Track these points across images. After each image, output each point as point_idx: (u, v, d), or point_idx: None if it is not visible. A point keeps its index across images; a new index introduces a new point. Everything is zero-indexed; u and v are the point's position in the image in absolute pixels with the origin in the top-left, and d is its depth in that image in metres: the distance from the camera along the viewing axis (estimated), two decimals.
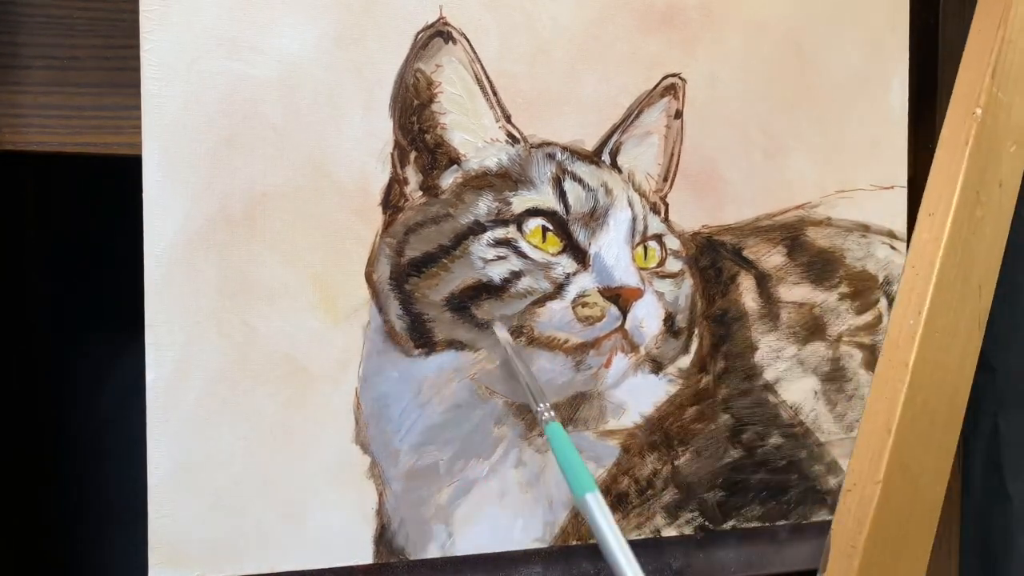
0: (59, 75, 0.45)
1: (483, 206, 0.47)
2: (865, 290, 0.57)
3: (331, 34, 0.45)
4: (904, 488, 0.45)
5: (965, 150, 0.46)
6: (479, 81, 0.48)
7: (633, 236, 0.50)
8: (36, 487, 0.61)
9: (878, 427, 0.45)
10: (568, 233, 0.48)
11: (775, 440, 0.55)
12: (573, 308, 0.48)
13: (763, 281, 0.54)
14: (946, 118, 0.48)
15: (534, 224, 0.48)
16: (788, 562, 0.57)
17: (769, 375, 0.54)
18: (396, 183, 0.46)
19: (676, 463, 0.52)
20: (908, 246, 0.58)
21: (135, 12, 0.43)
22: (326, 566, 0.46)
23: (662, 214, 0.51)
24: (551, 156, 0.49)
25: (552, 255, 0.48)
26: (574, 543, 0.50)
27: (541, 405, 0.43)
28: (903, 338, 0.45)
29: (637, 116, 0.51)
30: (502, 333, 0.47)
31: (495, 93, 0.48)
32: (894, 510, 0.45)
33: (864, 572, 0.44)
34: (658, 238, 0.51)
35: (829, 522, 0.57)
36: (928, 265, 0.46)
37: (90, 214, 0.62)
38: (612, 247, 0.49)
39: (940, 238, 0.46)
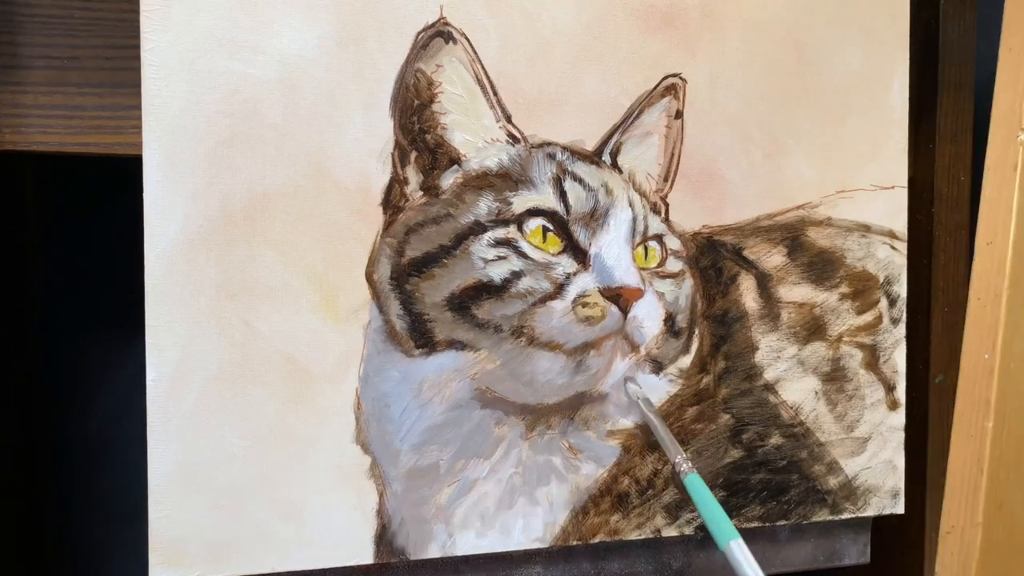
0: (59, 75, 0.45)
1: (483, 206, 0.47)
2: (866, 290, 0.57)
3: (331, 34, 0.45)
4: (1001, 526, 0.45)
5: (1015, 176, 0.45)
6: (479, 81, 0.48)
7: (633, 236, 0.50)
8: (36, 487, 0.61)
9: (969, 467, 0.45)
10: (568, 233, 0.48)
11: (775, 440, 0.55)
12: (574, 308, 0.48)
13: (764, 281, 0.54)
14: (989, 141, 0.47)
15: (534, 224, 0.48)
16: (788, 562, 0.57)
17: (769, 375, 0.54)
18: (397, 183, 0.46)
19: None
20: (909, 246, 0.58)
21: (135, 12, 0.43)
22: (326, 566, 0.46)
23: (662, 214, 0.51)
24: (551, 156, 0.49)
25: (552, 255, 0.48)
26: (574, 543, 0.50)
27: (679, 457, 0.44)
28: (980, 374, 0.45)
29: (637, 116, 0.51)
30: (634, 388, 0.48)
31: (495, 93, 0.48)
32: (998, 550, 0.44)
33: None
34: (658, 238, 0.51)
35: (829, 522, 0.57)
36: (995, 296, 0.45)
37: (90, 214, 0.62)
38: (612, 247, 0.49)
39: (1003, 267, 0.45)
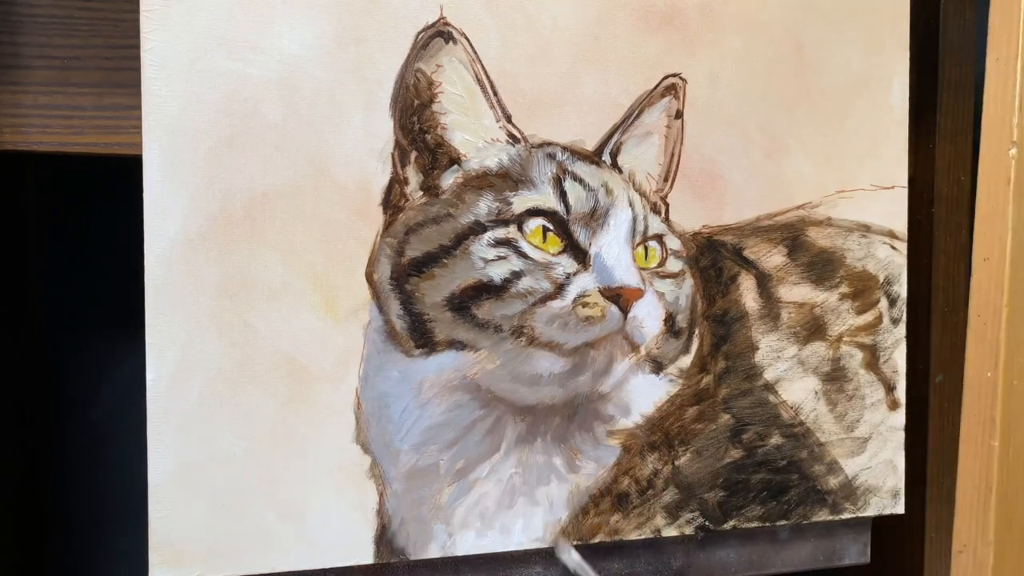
0: (60, 75, 0.45)
1: (483, 206, 0.47)
2: (866, 290, 0.57)
3: (331, 34, 0.45)
4: (1013, 544, 0.45)
5: (1008, 190, 0.45)
6: (479, 81, 0.48)
7: (634, 236, 0.50)
8: (36, 487, 0.61)
9: (978, 486, 0.44)
10: (568, 233, 0.48)
11: (775, 440, 0.55)
12: (574, 308, 0.48)
13: (764, 281, 0.54)
14: (980, 155, 0.46)
15: (535, 224, 0.48)
16: (788, 562, 0.57)
17: (769, 375, 0.54)
18: (396, 183, 0.46)
19: (677, 463, 0.52)
20: (909, 246, 0.58)
21: (135, 12, 0.43)
22: (326, 566, 0.46)
23: (662, 214, 0.51)
24: (551, 156, 0.49)
25: (552, 255, 0.48)
26: (574, 543, 0.50)
27: None
28: (984, 391, 0.45)
29: (637, 116, 0.51)
30: (568, 556, 0.47)
31: (495, 93, 0.48)
32: (1011, 569, 0.44)
33: None
34: (659, 238, 0.51)
35: (829, 522, 0.57)
36: (995, 313, 0.45)
37: (90, 214, 0.62)
38: (613, 247, 0.49)
39: (1001, 283, 0.45)
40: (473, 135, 0.48)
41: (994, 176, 0.45)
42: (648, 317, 0.50)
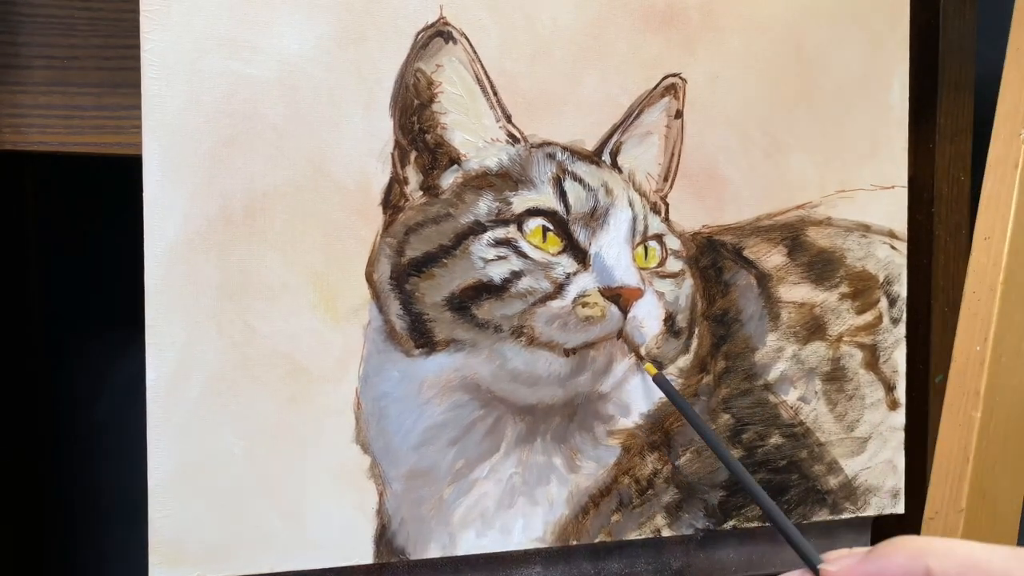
0: (59, 75, 0.45)
1: (483, 206, 0.47)
2: (866, 290, 0.57)
3: (331, 34, 0.45)
4: (984, 514, 0.45)
5: (1016, 172, 0.45)
6: (479, 81, 0.48)
7: (633, 236, 0.50)
8: (36, 487, 0.61)
9: (955, 456, 0.45)
10: (568, 233, 0.48)
11: (775, 440, 0.55)
12: (574, 308, 0.48)
13: (764, 281, 0.54)
14: (992, 137, 0.47)
15: (534, 224, 0.48)
16: (788, 562, 0.57)
17: (769, 375, 0.54)
18: (396, 183, 0.46)
19: (676, 463, 0.52)
20: (909, 246, 0.58)
21: (135, 12, 0.43)
22: (326, 566, 0.46)
23: (662, 214, 0.51)
24: (551, 156, 0.49)
25: (552, 255, 0.48)
26: (574, 543, 0.50)
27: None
28: (971, 365, 0.45)
29: (637, 116, 0.51)
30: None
31: (495, 93, 0.48)
32: (980, 537, 0.45)
33: None
34: (658, 238, 0.51)
35: (829, 522, 0.57)
36: (989, 290, 0.45)
37: (90, 214, 0.62)
38: (612, 247, 0.49)
39: (999, 262, 0.45)
40: (473, 135, 0.48)
41: (1004, 158, 0.46)
42: (648, 317, 0.50)
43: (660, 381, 0.42)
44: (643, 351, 0.51)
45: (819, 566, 0.30)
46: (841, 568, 0.29)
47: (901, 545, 0.28)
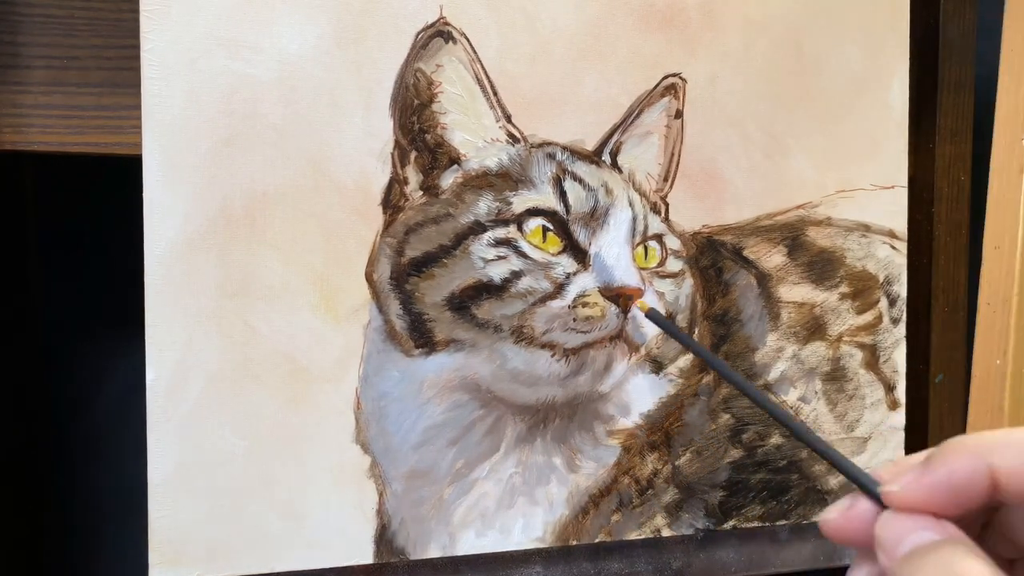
0: (59, 75, 0.45)
1: (483, 206, 0.47)
2: (866, 290, 0.57)
3: (331, 34, 0.45)
4: None
5: (1020, 179, 0.45)
6: (479, 81, 0.48)
7: (633, 236, 0.50)
8: (36, 487, 0.61)
9: None
10: (568, 233, 0.48)
11: (775, 440, 0.55)
12: (573, 308, 0.48)
13: (764, 281, 0.54)
14: (993, 144, 0.47)
15: (534, 224, 0.48)
16: (788, 562, 0.57)
17: (769, 375, 0.54)
18: (396, 183, 0.46)
19: (676, 463, 0.52)
20: (909, 246, 0.58)
21: (135, 12, 0.43)
22: (326, 566, 0.46)
23: (662, 214, 0.51)
24: (551, 156, 0.49)
25: (552, 255, 0.48)
26: (574, 543, 0.50)
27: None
28: (992, 380, 0.45)
29: (637, 116, 0.51)
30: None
31: (495, 93, 0.48)
32: None
33: None
34: (658, 238, 0.51)
35: None
36: (1003, 302, 0.45)
37: (90, 214, 0.62)
38: (612, 247, 0.49)
39: (1012, 272, 0.44)
40: (473, 135, 0.48)
41: (1006, 165, 0.46)
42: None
43: (654, 316, 0.42)
44: (643, 350, 0.51)
45: (880, 490, 0.27)
46: (905, 487, 0.26)
47: (961, 447, 0.26)
